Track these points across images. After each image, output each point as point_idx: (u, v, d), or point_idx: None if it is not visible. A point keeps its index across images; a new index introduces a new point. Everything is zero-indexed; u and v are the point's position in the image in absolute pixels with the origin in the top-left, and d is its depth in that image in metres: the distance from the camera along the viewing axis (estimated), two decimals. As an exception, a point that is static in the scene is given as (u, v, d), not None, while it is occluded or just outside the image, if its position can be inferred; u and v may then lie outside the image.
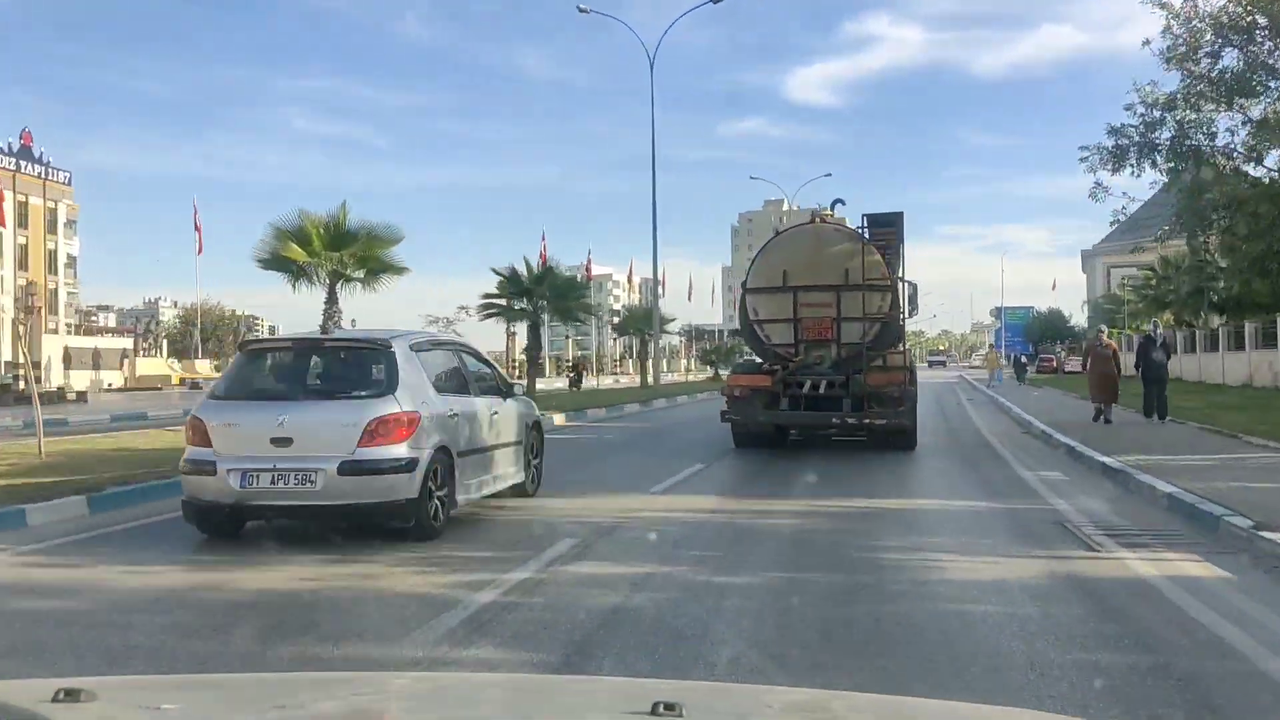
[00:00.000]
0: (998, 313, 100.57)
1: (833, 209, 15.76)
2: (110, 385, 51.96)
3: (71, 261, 72.10)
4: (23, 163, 64.67)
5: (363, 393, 7.55)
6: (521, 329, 34.37)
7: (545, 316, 33.34)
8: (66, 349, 53.05)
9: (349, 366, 8.15)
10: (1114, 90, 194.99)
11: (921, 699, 2.11)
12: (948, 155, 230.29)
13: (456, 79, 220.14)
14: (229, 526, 7.53)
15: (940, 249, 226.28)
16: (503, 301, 31.82)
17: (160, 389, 50.55)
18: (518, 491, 9.28)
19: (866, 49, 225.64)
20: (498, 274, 31.52)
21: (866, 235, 14.48)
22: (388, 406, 7.29)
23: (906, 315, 15.15)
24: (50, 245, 67.46)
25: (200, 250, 63.03)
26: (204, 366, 66.68)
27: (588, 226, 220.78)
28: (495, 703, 1.71)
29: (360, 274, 19.65)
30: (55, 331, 58.80)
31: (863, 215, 14.82)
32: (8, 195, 61.88)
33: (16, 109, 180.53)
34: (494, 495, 8.81)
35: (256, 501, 7.23)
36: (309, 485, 7.06)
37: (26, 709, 1.03)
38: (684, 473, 11.53)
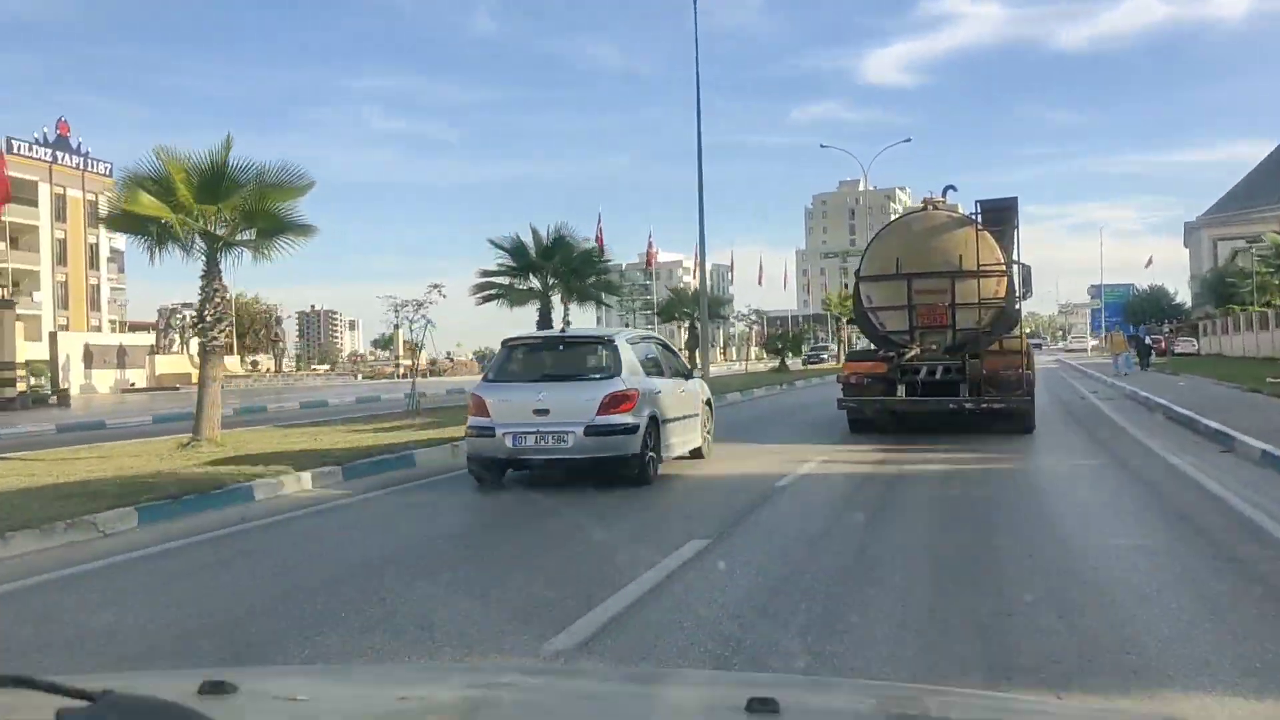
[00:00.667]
0: (1095, 291, 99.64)
1: (944, 195, 16.94)
2: (133, 384, 53.13)
3: (116, 256, 74.83)
4: (59, 153, 67.84)
5: (596, 375, 10.90)
6: (530, 315, 26.30)
7: (559, 296, 26.53)
8: (87, 347, 53.74)
9: (585, 356, 11.54)
10: (1201, 62, 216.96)
11: (1021, 695, 2.06)
12: (1029, 133, 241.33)
13: (525, 73, 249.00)
14: (498, 475, 11.00)
15: (1022, 229, 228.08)
16: (504, 280, 26.40)
17: (178, 389, 49.98)
18: (695, 455, 12.64)
19: (944, 27, 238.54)
20: (497, 246, 26.00)
21: (979, 221, 15.70)
22: (616, 385, 10.64)
23: (1021, 299, 16.20)
24: (91, 239, 70.65)
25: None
26: (233, 364, 66.21)
27: (655, 215, 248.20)
28: (598, 695, 1.85)
29: (249, 234, 15.52)
30: (99, 328, 61.87)
31: (975, 201, 16.16)
32: (43, 188, 65.56)
33: (90, 111, 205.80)
34: (678, 457, 12.00)
35: (524, 456, 10.66)
36: (563, 443, 10.44)
37: (177, 702, 1.16)
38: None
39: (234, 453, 13.37)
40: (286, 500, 10.36)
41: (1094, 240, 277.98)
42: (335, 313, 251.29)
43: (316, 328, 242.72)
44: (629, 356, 11.21)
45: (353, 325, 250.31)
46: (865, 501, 9.53)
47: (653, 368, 11.85)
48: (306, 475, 11.17)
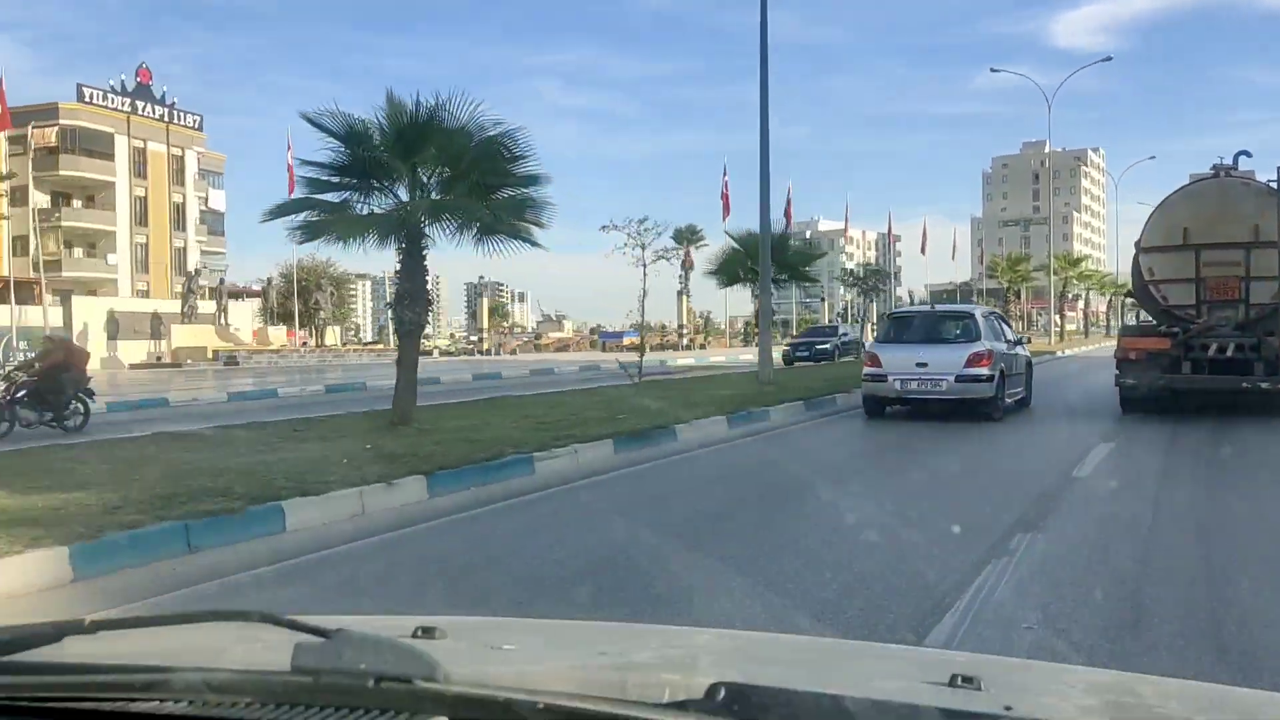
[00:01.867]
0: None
1: (1235, 163, 18.30)
2: (160, 358, 54.35)
3: (212, 218, 79.04)
4: (140, 103, 71.31)
5: (962, 339, 17.72)
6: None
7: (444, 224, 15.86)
8: (112, 313, 54.60)
9: (952, 325, 18.54)
10: None
11: (1235, 686, 2.35)
12: (1235, 98, 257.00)
13: (703, 45, 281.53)
14: (881, 410, 18.20)
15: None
16: (335, 195, 16.17)
17: (183, 365, 51.50)
18: (1020, 404, 19.31)
19: None
20: (317, 127, 15.29)
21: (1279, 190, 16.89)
22: (977, 347, 17.36)
23: None
24: (177, 198, 74.81)
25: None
26: (277, 335, 68.12)
27: (831, 185, 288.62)
28: (793, 662, 2.11)
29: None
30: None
31: (1278, 168, 17.36)
32: (119, 140, 69.66)
33: (290, 91, 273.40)
34: (1011, 403, 18.48)
35: (908, 395, 17.69)
36: (938, 387, 17.33)
37: (398, 641, 1.37)
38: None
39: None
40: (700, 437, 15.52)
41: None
42: (501, 284, 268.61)
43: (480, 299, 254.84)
44: (983, 326, 18.21)
45: (521, 297, 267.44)
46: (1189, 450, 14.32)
47: (996, 335, 18.48)
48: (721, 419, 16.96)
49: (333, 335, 76.71)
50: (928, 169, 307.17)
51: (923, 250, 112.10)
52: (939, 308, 21.70)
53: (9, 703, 1.42)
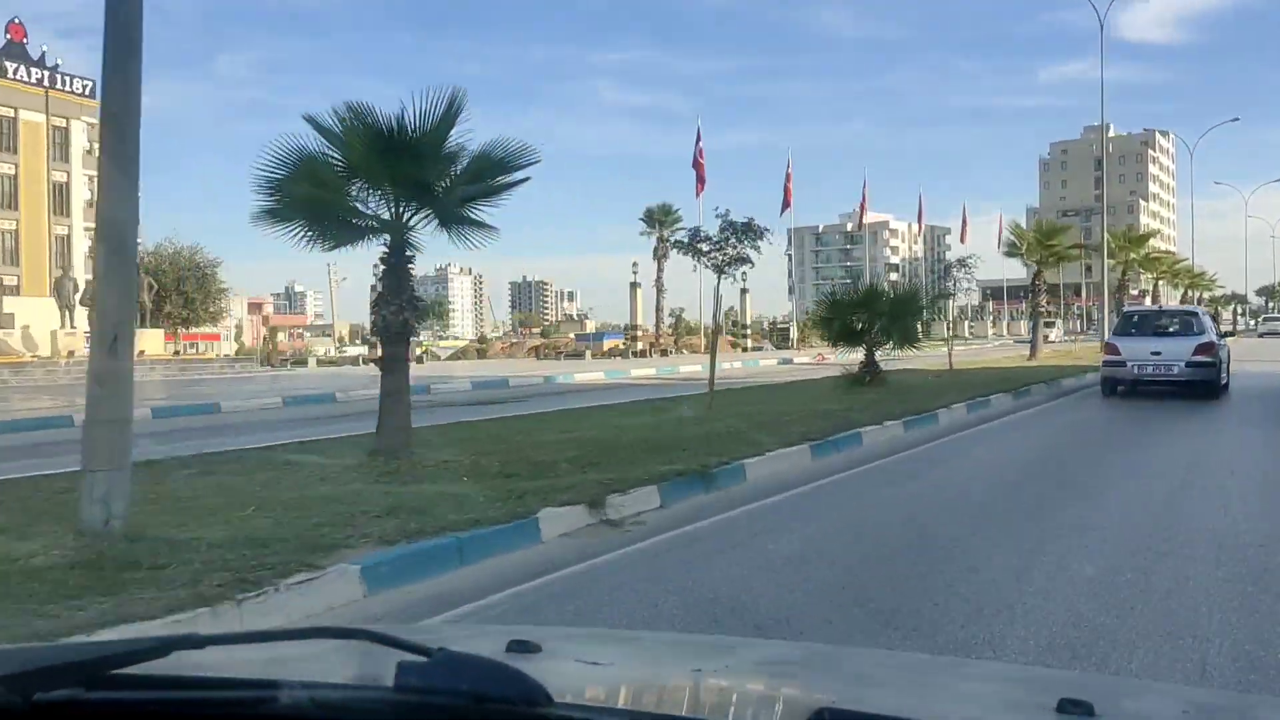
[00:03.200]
0: None
1: None
2: None
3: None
4: (8, 64, 60.57)
5: (1190, 332, 22.20)
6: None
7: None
8: None
9: (1180, 321, 23.28)
10: None
11: None
12: None
13: (761, 42, 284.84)
14: (1116, 390, 22.42)
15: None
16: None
17: None
18: (1226, 386, 22.62)
19: None
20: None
21: None
22: (1204, 338, 21.79)
23: None
24: (59, 177, 64.20)
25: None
26: (153, 339, 50.30)
27: (884, 178, 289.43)
28: (894, 682, 2.03)
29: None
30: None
31: None
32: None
33: (356, 93, 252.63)
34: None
35: (1144, 377, 21.62)
36: (1171, 372, 21.31)
37: (503, 663, 1.38)
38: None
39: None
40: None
41: None
42: (546, 283, 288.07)
43: (528, 298, 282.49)
44: (1206, 323, 23.36)
45: (571, 296, 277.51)
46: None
47: (1212, 330, 23.27)
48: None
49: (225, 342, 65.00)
50: (986, 161, 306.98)
51: (962, 239, 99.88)
52: (1166, 306, 30.44)
53: (119, 717, 1.46)
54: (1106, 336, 33.08)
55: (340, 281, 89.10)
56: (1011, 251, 49.03)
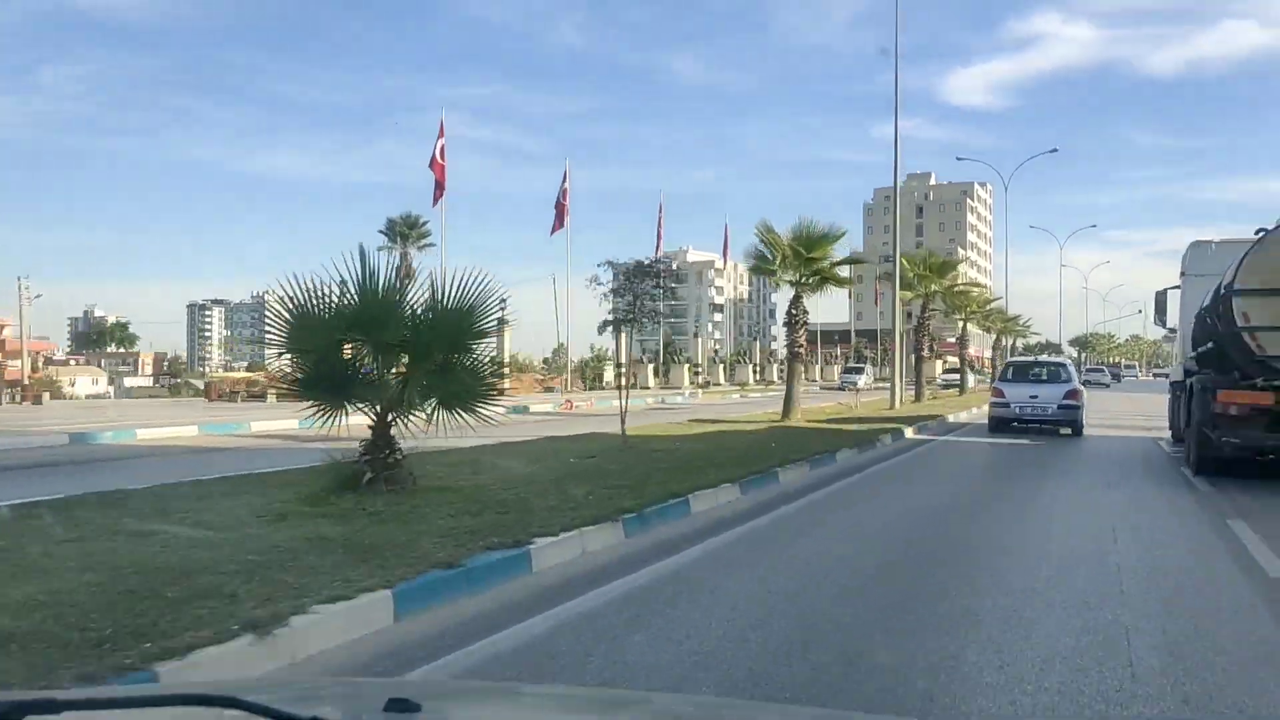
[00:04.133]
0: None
1: None
2: None
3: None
4: None
5: (1059, 380, 28.15)
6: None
7: None
8: None
9: (1050, 370, 29.33)
10: None
11: None
12: (1118, 157, 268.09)
13: (611, 85, 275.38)
14: (1006, 428, 26.96)
15: (1109, 253, 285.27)
16: None
17: None
18: (1076, 432, 26.69)
19: (1032, 48, 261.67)
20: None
21: None
22: (1071, 385, 27.72)
23: None
24: None
25: None
26: None
27: (710, 218, 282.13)
28: None
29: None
30: None
31: None
32: None
33: (190, 113, 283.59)
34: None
35: (1024, 416, 26.92)
36: (1046, 413, 26.79)
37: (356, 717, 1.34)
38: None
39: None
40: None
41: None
42: None
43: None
44: (1072, 372, 29.22)
45: None
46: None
47: (1076, 378, 29.04)
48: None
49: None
50: (823, 210, 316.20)
51: (724, 257, 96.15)
52: (1040, 359, 36.19)
53: None
54: (898, 383, 40.65)
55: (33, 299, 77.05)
56: (760, 266, 32.44)
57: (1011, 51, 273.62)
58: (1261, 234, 16.42)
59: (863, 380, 71.09)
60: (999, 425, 27.00)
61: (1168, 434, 24.82)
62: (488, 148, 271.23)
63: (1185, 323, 21.32)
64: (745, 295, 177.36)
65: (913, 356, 49.33)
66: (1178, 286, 22.88)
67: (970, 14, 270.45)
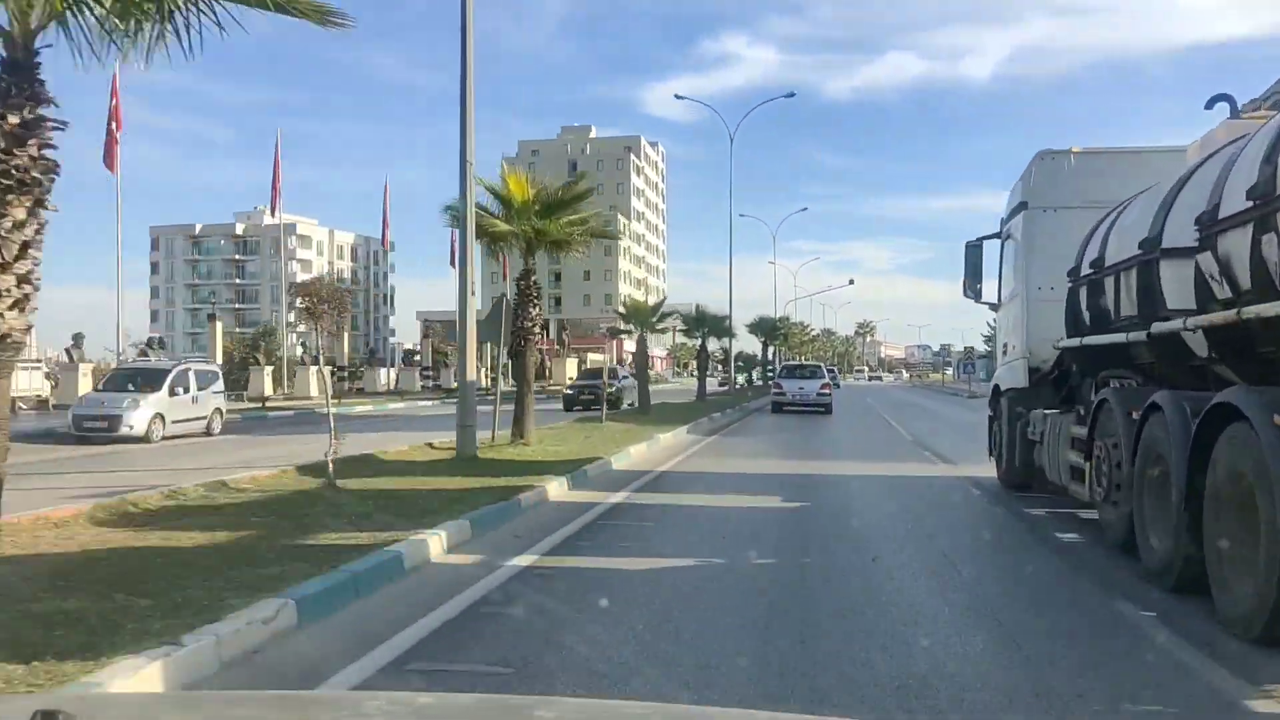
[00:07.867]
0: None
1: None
2: None
3: None
4: None
5: (818, 376, 48.33)
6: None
7: None
8: None
9: (812, 370, 51.63)
10: (956, 117, 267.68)
11: None
12: (805, 174, 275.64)
13: (304, 76, 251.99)
14: (780, 409, 44.25)
15: (802, 261, 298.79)
16: None
17: None
18: (828, 410, 45.90)
19: (727, 67, 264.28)
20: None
21: None
22: (825, 380, 47.63)
23: None
24: None
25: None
26: None
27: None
28: None
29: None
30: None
31: None
32: None
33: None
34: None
35: (795, 401, 44.62)
36: (809, 399, 44.77)
37: None
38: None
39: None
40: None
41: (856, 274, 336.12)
42: None
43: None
44: (824, 372, 51.23)
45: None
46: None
47: (828, 376, 51.64)
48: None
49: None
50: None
51: (272, 212, 63.24)
52: (805, 363, 61.90)
53: None
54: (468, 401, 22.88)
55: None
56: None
57: (709, 69, 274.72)
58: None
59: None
60: (778, 408, 43.15)
61: (989, 471, 16.83)
62: (177, 136, 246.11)
63: (1033, 291, 14.42)
64: (346, 270, 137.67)
65: (504, 354, 25.35)
66: (1000, 235, 16.27)
67: (668, 29, 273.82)
